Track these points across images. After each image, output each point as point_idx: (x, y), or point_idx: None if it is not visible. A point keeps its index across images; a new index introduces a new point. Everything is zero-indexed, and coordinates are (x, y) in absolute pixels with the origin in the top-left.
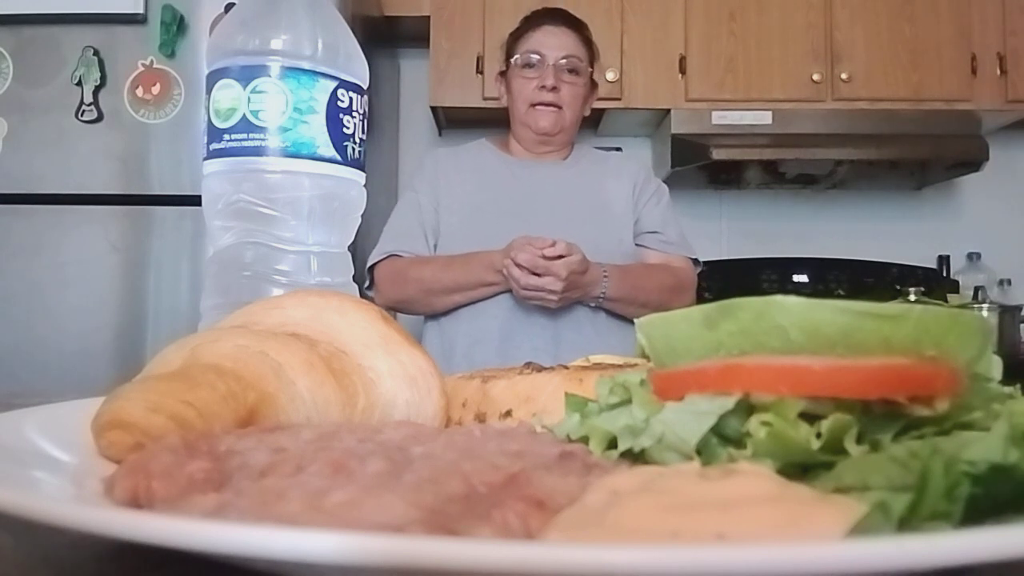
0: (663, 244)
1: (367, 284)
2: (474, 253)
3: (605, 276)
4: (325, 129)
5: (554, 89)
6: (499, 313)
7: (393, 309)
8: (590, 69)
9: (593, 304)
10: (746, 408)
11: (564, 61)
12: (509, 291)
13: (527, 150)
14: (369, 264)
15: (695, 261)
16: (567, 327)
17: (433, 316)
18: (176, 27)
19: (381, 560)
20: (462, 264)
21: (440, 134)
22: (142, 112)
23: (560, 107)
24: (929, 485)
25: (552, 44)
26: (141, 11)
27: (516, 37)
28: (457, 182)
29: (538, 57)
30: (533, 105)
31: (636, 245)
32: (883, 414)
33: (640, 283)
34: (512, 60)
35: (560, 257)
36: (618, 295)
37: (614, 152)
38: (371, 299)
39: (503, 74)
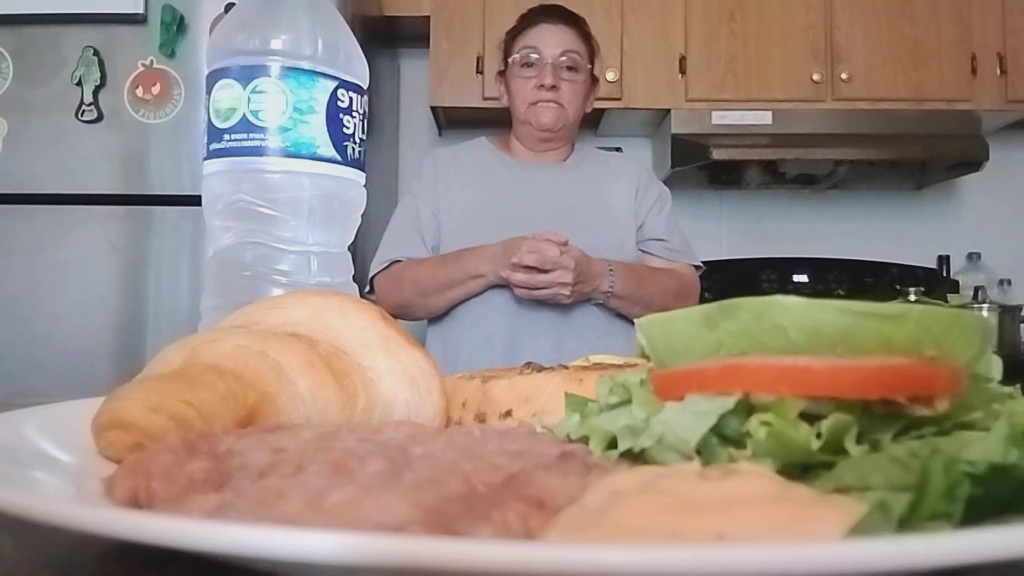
0: (668, 251)
1: (368, 290)
2: (467, 249)
3: (611, 270)
4: (325, 129)
5: (553, 88)
6: (502, 320)
7: (393, 316)
8: (589, 65)
9: (600, 300)
10: (746, 408)
11: (563, 58)
12: (511, 295)
13: (529, 149)
14: (372, 274)
15: (697, 267)
16: (570, 332)
17: (436, 321)
18: (176, 27)
19: (381, 560)
20: (454, 260)
21: (440, 134)
22: (142, 112)
23: (561, 104)
24: (929, 485)
25: (550, 41)
26: (141, 11)
27: (513, 35)
28: (457, 184)
29: (536, 55)
30: (533, 103)
31: (640, 251)
32: (883, 414)
33: (645, 282)
34: (510, 59)
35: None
36: (624, 291)
37: (615, 153)
38: None
39: (502, 74)
